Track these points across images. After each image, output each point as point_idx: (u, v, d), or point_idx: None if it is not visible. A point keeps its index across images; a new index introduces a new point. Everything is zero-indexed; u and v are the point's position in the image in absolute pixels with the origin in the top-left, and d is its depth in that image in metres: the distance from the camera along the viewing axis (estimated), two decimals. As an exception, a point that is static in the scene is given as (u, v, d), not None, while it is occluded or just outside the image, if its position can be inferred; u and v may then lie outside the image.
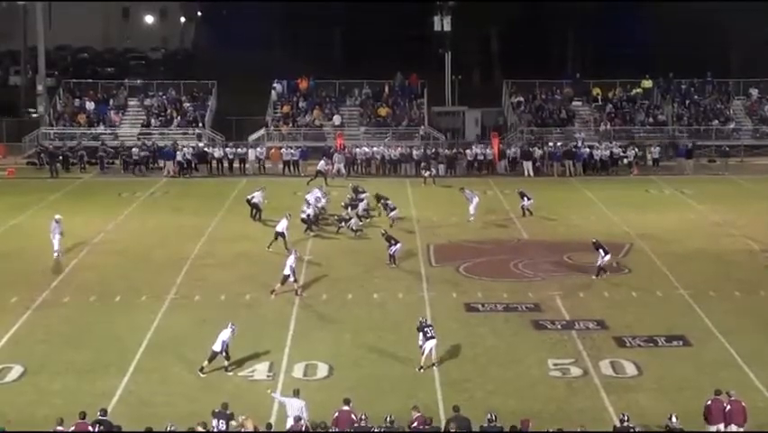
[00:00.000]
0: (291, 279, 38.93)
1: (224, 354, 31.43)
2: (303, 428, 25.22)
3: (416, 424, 25.34)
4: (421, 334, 31.99)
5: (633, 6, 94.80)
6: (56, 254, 44.47)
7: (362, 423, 25.20)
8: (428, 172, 64.02)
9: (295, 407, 26.47)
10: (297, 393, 27.08)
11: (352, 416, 25.70)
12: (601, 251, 41.03)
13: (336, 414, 25.80)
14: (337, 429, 25.44)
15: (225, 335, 31.51)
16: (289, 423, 26.18)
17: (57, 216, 45.27)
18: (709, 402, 26.29)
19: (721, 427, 26.17)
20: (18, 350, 33.55)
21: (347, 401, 26.15)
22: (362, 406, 26.22)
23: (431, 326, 32.41)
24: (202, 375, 31.05)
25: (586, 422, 26.59)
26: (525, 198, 52.56)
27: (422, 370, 31.59)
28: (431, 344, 31.82)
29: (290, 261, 39.13)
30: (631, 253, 46.11)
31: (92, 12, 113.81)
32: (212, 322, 34.85)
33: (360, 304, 38.72)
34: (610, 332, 35.24)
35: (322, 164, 63.19)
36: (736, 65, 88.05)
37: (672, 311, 37.70)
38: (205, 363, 31.29)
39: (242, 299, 39.13)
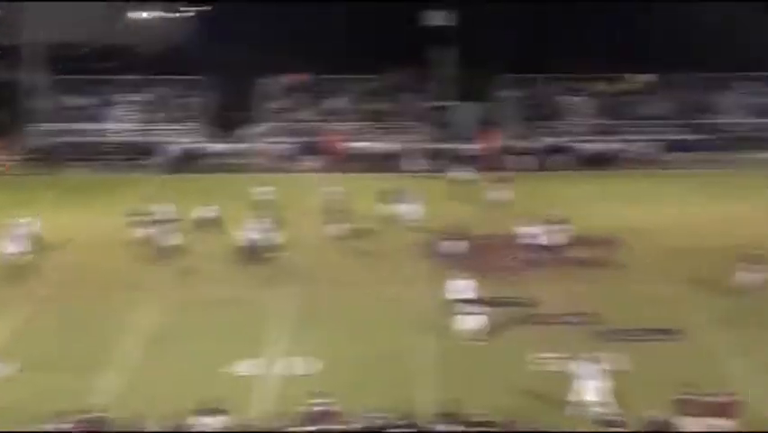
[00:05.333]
0: None
1: None
2: None
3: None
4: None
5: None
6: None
7: (355, 419, 25.20)
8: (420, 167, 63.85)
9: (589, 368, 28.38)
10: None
11: (335, 410, 25.70)
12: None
13: (319, 409, 25.74)
14: (320, 425, 25.42)
15: None
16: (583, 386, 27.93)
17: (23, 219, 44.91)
18: (690, 397, 26.30)
19: (710, 420, 26.18)
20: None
21: (326, 397, 26.10)
22: (350, 404, 26.22)
23: (478, 302, 33.88)
24: None
25: (574, 417, 26.72)
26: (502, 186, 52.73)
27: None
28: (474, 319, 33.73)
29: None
30: (623, 247, 45.91)
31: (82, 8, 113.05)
32: (203, 318, 34.96)
33: (354, 300, 38.76)
34: (601, 326, 35.32)
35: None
36: (729, 58, 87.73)
37: (663, 306, 37.90)
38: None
39: (235, 294, 39.20)
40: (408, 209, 49.90)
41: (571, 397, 28.67)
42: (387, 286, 40.33)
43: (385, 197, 50.68)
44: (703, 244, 45.28)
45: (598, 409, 28.20)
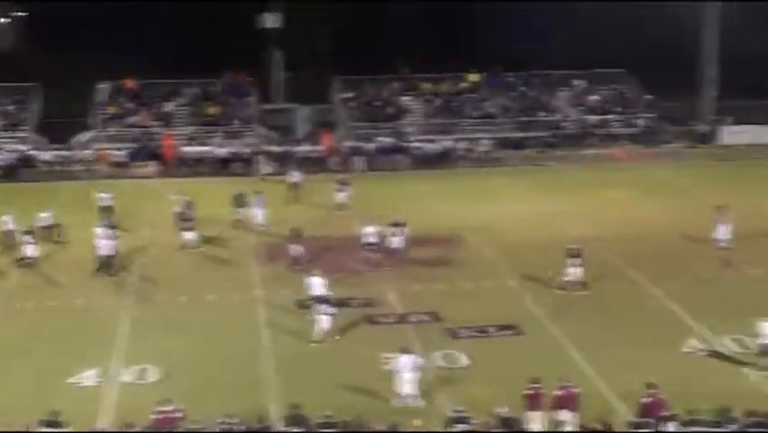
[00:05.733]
0: None
1: None
2: None
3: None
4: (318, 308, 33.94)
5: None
6: None
7: (197, 425, 24.81)
8: (264, 171, 63.51)
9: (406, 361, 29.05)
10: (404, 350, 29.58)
11: (175, 415, 25.31)
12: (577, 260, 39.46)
13: (157, 415, 25.32)
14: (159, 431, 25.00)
15: None
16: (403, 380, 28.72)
17: None
18: (531, 391, 26.62)
19: (553, 414, 26.53)
20: None
21: (167, 402, 25.70)
22: (197, 408, 25.84)
23: (329, 302, 34.00)
24: None
25: (421, 414, 26.81)
26: (343, 188, 52.77)
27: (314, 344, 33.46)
28: (325, 318, 33.66)
29: None
30: (462, 244, 46.59)
31: None
32: (40, 329, 34.12)
33: (192, 305, 38.36)
34: (443, 324, 35.62)
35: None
36: (561, 57, 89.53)
37: (503, 301, 38.30)
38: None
39: (72, 303, 38.39)
40: (252, 213, 49.62)
41: (395, 389, 29.12)
42: (231, 291, 39.96)
43: (230, 201, 50.38)
44: (534, 240, 45.97)
45: (410, 401, 28.68)
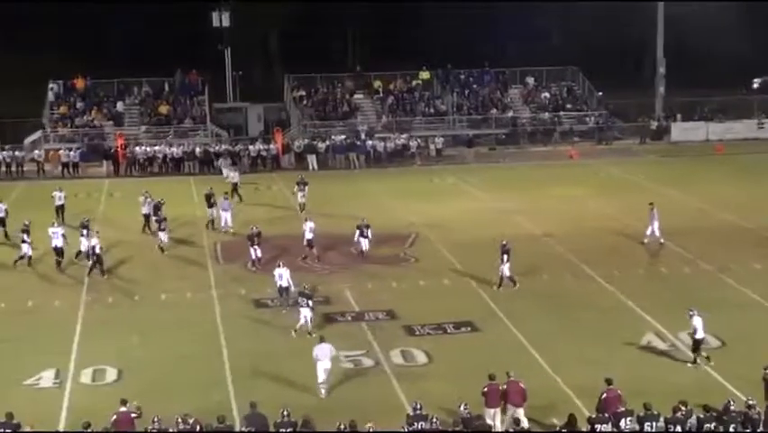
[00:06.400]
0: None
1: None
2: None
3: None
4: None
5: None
6: None
7: (155, 425, 24.67)
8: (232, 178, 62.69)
9: (324, 351, 29.63)
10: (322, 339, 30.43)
11: (132, 416, 25.19)
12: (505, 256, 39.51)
13: (114, 416, 25.18)
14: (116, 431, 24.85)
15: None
16: (322, 367, 29.50)
17: None
18: (486, 388, 26.69)
19: (510, 409, 26.60)
20: None
21: (124, 402, 25.57)
22: (154, 408, 25.71)
23: (309, 296, 34.30)
24: None
25: (379, 412, 26.80)
26: (301, 188, 52.69)
27: (294, 333, 34.06)
28: (305, 312, 33.98)
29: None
30: (417, 242, 46.72)
31: None
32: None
33: (147, 305, 38.20)
34: (400, 321, 35.72)
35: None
36: (512, 55, 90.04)
37: (459, 298, 38.40)
38: None
39: (25, 305, 38.09)
40: (215, 212, 49.26)
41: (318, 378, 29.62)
42: (191, 291, 39.78)
43: (197, 200, 50.13)
44: (488, 237, 45.97)
45: (323, 389, 29.37)
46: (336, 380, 30.33)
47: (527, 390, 26.70)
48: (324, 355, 29.64)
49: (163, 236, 45.53)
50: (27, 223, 43.81)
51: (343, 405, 28.02)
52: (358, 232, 43.70)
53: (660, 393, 26.87)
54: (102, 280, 41.04)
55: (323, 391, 29.46)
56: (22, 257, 43.30)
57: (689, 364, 31.28)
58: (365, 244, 43.57)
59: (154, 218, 47.38)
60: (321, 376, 29.56)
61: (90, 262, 41.91)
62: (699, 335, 31.22)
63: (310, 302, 34.46)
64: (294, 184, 54.08)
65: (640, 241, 45.36)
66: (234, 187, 56.04)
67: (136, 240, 47.52)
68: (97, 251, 41.66)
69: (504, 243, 39.45)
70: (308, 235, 43.69)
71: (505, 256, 39.04)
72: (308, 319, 34.26)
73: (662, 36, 79.10)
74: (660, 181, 59.51)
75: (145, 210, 48.64)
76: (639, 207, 47.66)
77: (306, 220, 44.88)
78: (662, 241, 45.03)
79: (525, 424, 25.87)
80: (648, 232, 45.15)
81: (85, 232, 43.74)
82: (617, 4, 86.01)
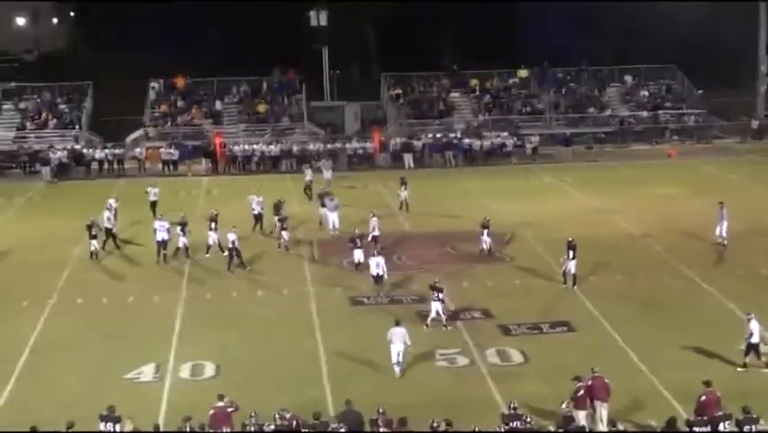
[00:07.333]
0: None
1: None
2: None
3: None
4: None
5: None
6: None
7: (252, 420, 24.93)
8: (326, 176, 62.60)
9: (398, 335, 30.64)
10: (398, 323, 31.27)
11: (228, 410, 25.46)
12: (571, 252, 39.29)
13: (212, 411, 25.48)
14: (214, 427, 25.11)
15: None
16: (395, 350, 30.64)
17: None
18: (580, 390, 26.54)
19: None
20: None
21: (221, 397, 25.85)
22: (252, 403, 25.98)
23: (441, 289, 34.90)
24: None
25: (474, 411, 26.78)
26: (404, 187, 52.73)
27: (426, 327, 34.74)
28: (436, 305, 34.62)
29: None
30: (513, 241, 46.57)
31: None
32: (95, 326, 34.42)
33: (244, 302, 38.53)
34: (495, 321, 35.58)
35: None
36: (610, 53, 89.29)
37: (555, 298, 38.15)
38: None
39: (126, 300, 38.67)
40: (325, 212, 49.16)
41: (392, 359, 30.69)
42: (288, 287, 39.99)
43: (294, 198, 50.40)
44: (585, 236, 45.56)
45: (397, 369, 30.53)
46: (431, 378, 30.41)
47: (612, 388, 26.53)
48: (398, 339, 30.79)
49: (286, 235, 45.69)
50: (183, 216, 45.24)
51: (439, 404, 28.03)
52: (485, 231, 43.70)
53: (760, 397, 26.52)
54: (201, 277, 41.49)
55: (397, 370, 30.62)
56: (178, 249, 44.10)
57: (738, 369, 30.71)
58: (487, 242, 43.57)
59: (276, 218, 47.13)
60: (394, 357, 30.70)
61: (227, 257, 42.67)
62: (755, 339, 30.70)
63: (441, 295, 34.85)
64: (395, 182, 54.21)
65: (712, 242, 44.67)
66: (308, 185, 56.46)
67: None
68: (236, 244, 42.35)
69: (570, 239, 39.20)
70: (375, 232, 43.99)
71: (571, 252, 38.79)
72: (441, 311, 34.71)
73: (765, 34, 77.94)
74: (762, 181, 58.66)
75: (256, 210, 48.87)
76: (739, 206, 47.01)
77: (372, 216, 45.02)
78: (725, 243, 44.26)
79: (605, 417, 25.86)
80: (717, 232, 44.42)
81: (181, 229, 44.19)
82: (719, 3, 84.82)
